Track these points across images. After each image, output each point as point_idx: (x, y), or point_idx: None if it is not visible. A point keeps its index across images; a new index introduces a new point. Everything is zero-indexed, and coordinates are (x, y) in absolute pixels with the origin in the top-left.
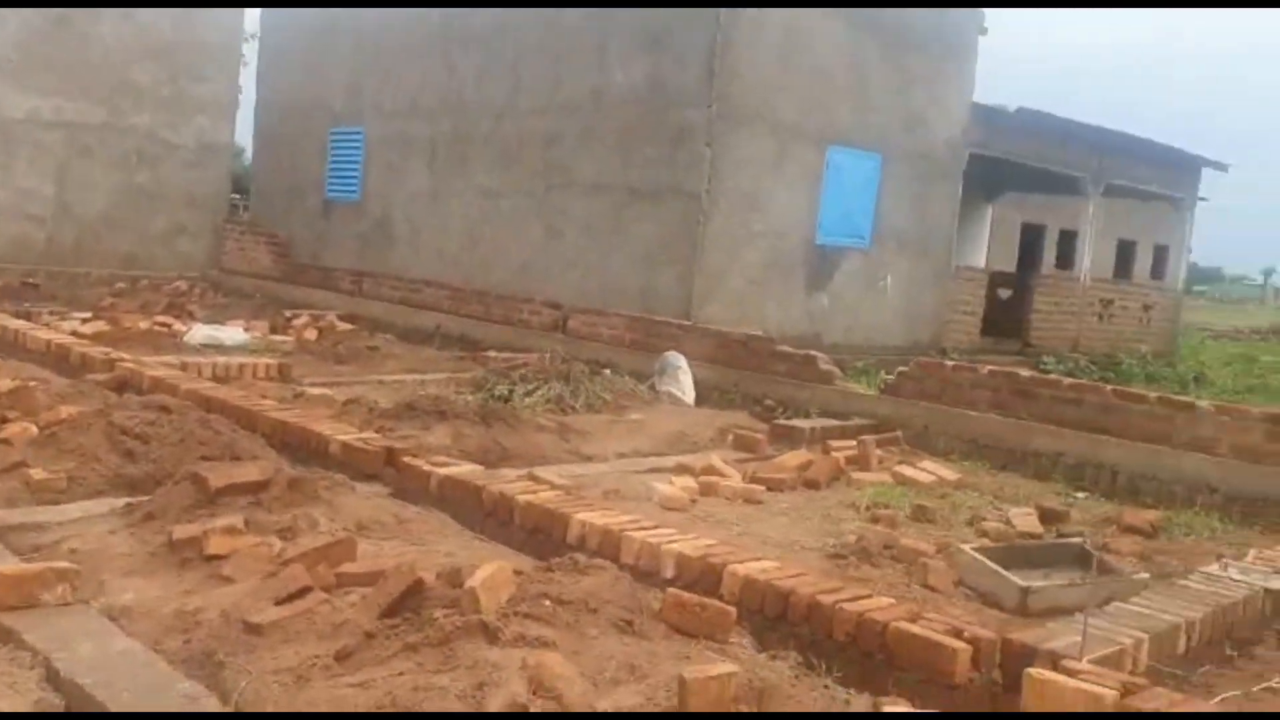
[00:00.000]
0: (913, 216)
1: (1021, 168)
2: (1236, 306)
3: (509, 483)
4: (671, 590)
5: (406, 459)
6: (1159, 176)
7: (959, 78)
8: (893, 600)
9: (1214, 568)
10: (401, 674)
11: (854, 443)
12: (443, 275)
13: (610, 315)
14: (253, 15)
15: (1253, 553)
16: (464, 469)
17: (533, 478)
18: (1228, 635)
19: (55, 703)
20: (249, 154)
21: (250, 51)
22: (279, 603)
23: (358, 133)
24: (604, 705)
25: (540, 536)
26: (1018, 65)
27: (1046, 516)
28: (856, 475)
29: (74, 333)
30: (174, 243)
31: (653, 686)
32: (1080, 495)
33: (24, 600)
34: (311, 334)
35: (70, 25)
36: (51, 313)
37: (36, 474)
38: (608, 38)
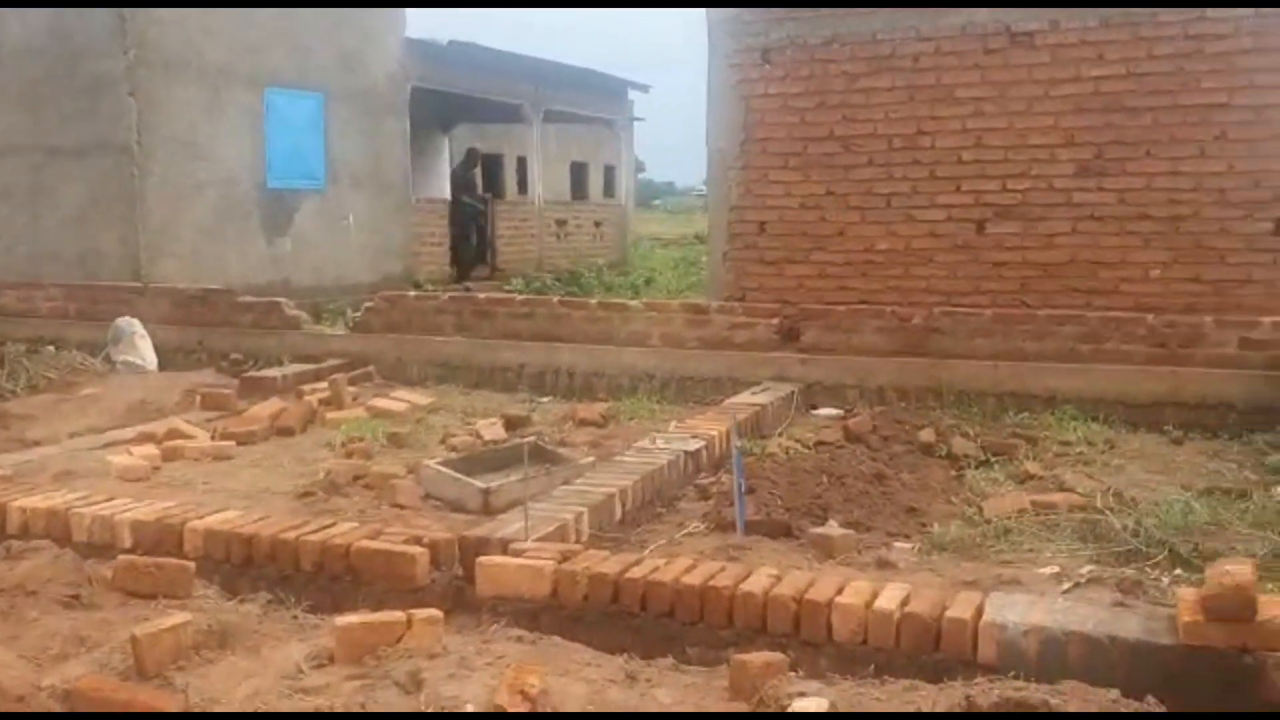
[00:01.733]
0: (365, 153)
1: (466, 99)
2: (686, 216)
3: None
4: (121, 556)
5: None
6: (591, 101)
7: (389, 15)
8: (356, 524)
9: (645, 442)
10: None
11: (327, 384)
12: None
13: (47, 286)
14: None
15: (674, 424)
16: None
17: None
18: (658, 496)
19: None
20: None
21: None
22: None
23: None
24: (50, 681)
25: None
26: None
27: (511, 423)
28: (331, 415)
29: None
30: None
31: (107, 653)
32: (544, 399)
33: None
34: None
35: None
36: None
37: None
38: None
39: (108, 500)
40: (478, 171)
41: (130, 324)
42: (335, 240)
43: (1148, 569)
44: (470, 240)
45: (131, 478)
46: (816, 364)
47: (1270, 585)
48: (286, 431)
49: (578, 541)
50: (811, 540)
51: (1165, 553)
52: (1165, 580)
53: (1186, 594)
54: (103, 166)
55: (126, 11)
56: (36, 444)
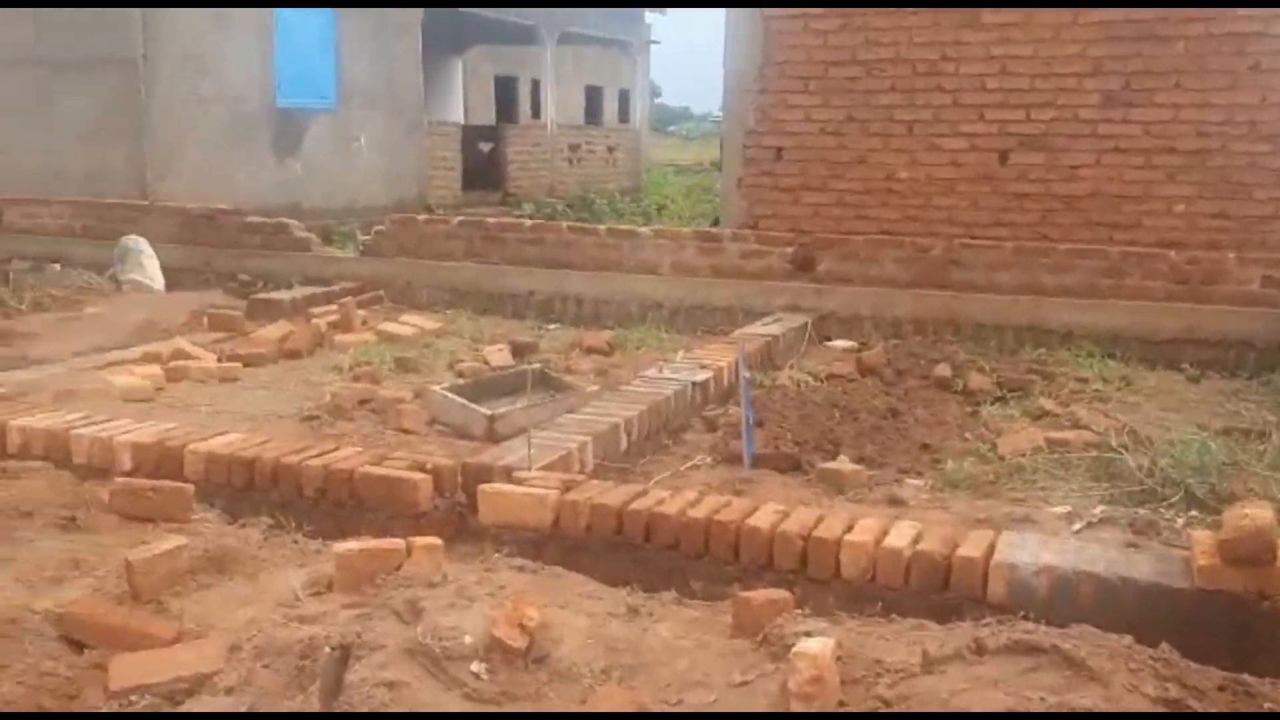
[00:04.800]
0: (377, 73)
1: (480, 20)
2: (702, 142)
3: None
4: (119, 479)
5: None
6: (607, 23)
7: None
8: (359, 449)
9: (652, 371)
10: None
11: (336, 307)
12: None
13: (54, 203)
14: None
15: (681, 353)
16: None
17: None
18: (664, 427)
19: None
20: None
21: None
22: None
23: None
24: (43, 604)
25: None
26: None
27: (518, 350)
28: (340, 339)
29: None
30: None
31: (101, 577)
32: (552, 326)
33: None
34: None
35: None
36: None
37: None
38: None
39: (108, 421)
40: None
41: (137, 242)
42: (346, 162)
43: (1162, 510)
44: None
45: (134, 398)
46: (831, 294)
47: None
48: (294, 354)
49: (581, 471)
50: (821, 475)
51: (1180, 494)
52: (1180, 521)
53: (1202, 536)
54: (109, 81)
55: None
56: (39, 362)
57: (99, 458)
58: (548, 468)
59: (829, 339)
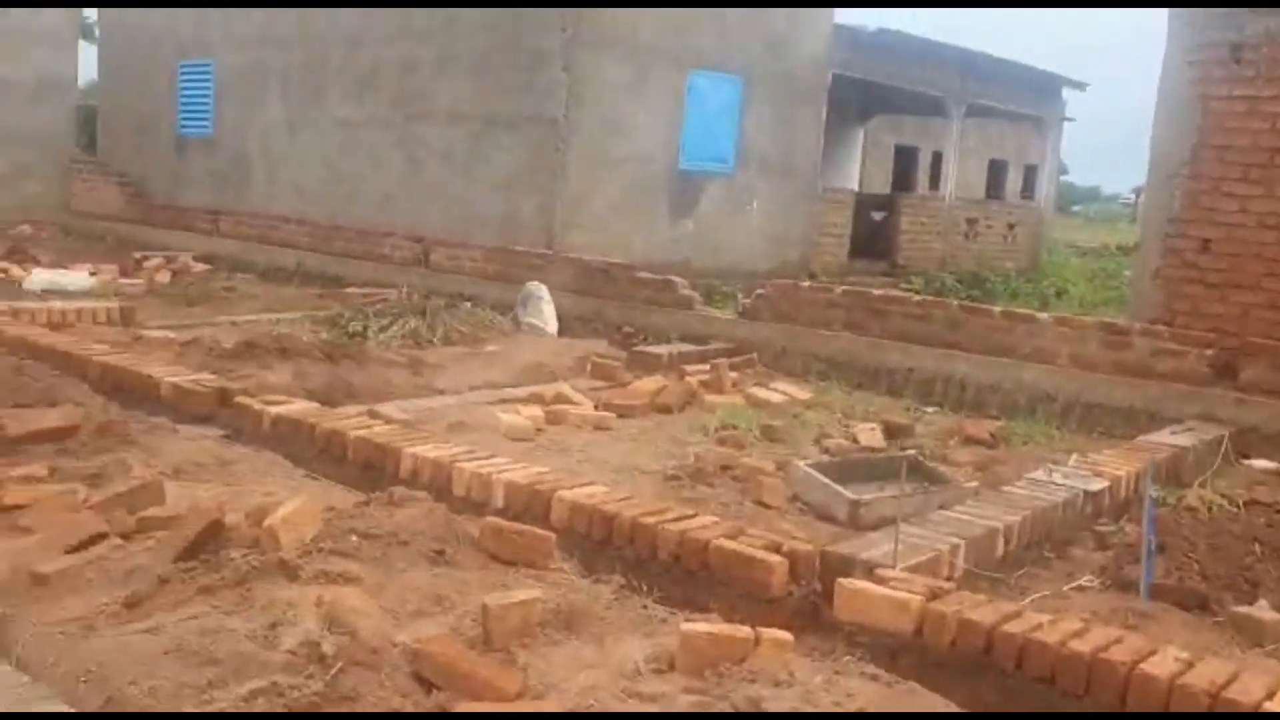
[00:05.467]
0: (777, 139)
1: (886, 89)
2: (1109, 224)
3: (344, 419)
4: (489, 519)
5: (240, 399)
6: (1020, 97)
7: None
8: (717, 519)
9: (1039, 473)
10: (194, 617)
11: (709, 367)
12: (303, 211)
13: (472, 247)
14: None
15: (1075, 457)
16: (297, 407)
17: (372, 414)
18: (1047, 537)
19: None
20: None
21: None
22: (69, 551)
23: (207, 65)
24: (403, 637)
25: (373, 473)
26: None
27: (892, 431)
28: (710, 398)
29: None
30: (18, 185)
31: (459, 616)
32: (930, 409)
33: None
34: (165, 276)
35: None
36: None
37: None
38: None
39: (489, 458)
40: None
41: (538, 288)
42: (736, 224)
43: None
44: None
45: (516, 437)
46: (1256, 407)
47: None
48: (665, 409)
49: (950, 577)
50: (1233, 620)
51: None
52: None
53: None
54: (532, 137)
55: None
56: (440, 392)
57: (477, 492)
58: (913, 568)
59: (1248, 457)
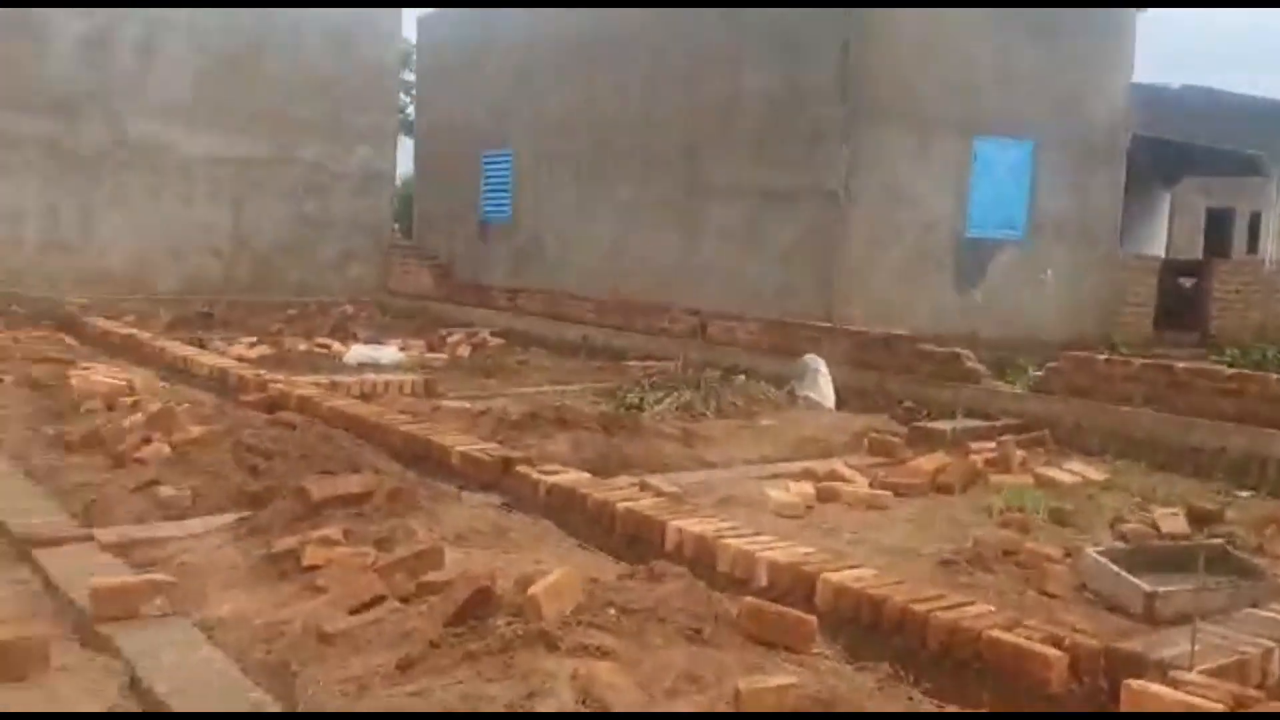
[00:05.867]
0: (1072, 204)
1: (1194, 149)
2: None
3: (613, 490)
4: (749, 599)
5: (520, 468)
6: None
7: (1116, 56)
8: (993, 608)
9: None
10: (459, 682)
11: (995, 444)
12: (589, 288)
13: (748, 320)
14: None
15: None
16: (571, 477)
17: (642, 485)
18: None
19: (129, 708)
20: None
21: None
22: (353, 611)
23: (507, 154)
24: None
25: (639, 544)
26: (1174, 41)
27: (1197, 517)
28: (995, 478)
29: (239, 357)
30: (343, 268)
31: (713, 698)
32: (1243, 494)
33: (124, 612)
34: (465, 350)
35: (240, 66)
36: (222, 339)
37: (165, 491)
38: (741, 42)
39: (754, 535)
40: None
41: (815, 361)
42: (1028, 294)
43: None
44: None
45: (785, 514)
46: None
47: None
48: (945, 489)
49: (1260, 685)
50: None
51: None
52: None
53: None
54: (810, 210)
55: (850, 61)
56: (711, 466)
57: (740, 569)
58: (1215, 672)
59: None
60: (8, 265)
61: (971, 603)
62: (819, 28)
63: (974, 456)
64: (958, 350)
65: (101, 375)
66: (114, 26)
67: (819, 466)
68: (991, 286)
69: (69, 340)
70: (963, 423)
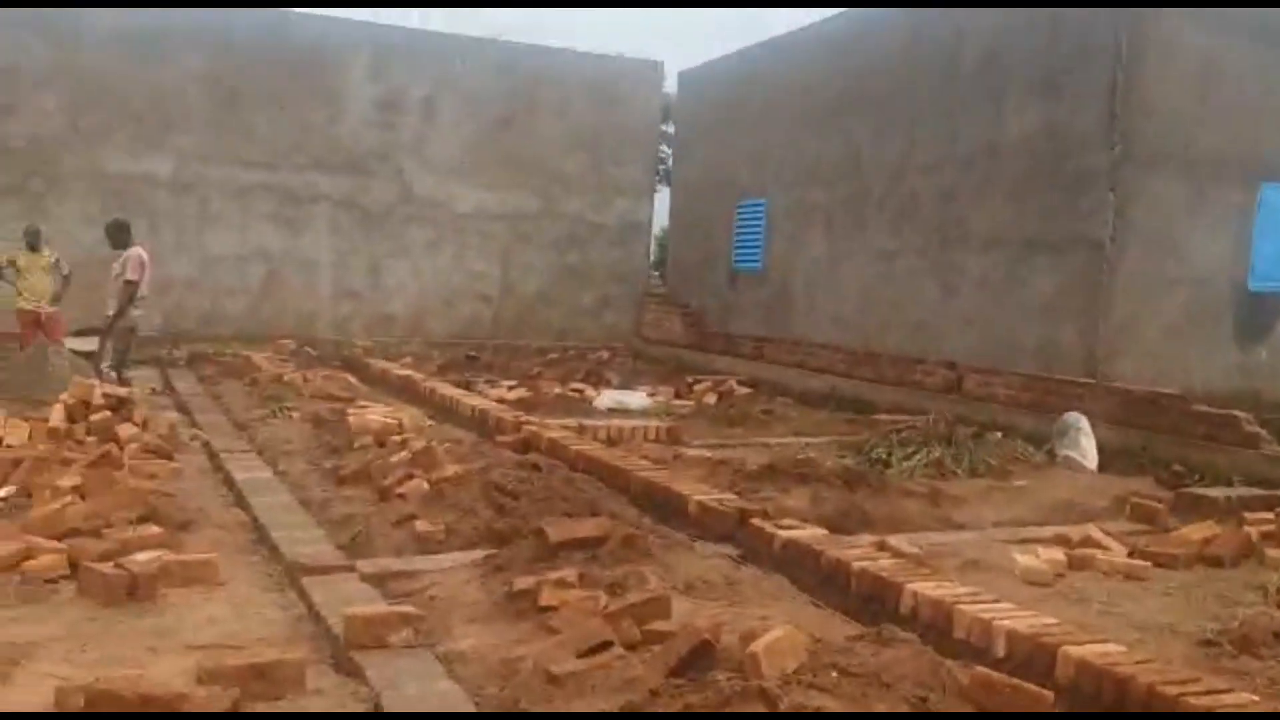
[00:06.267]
0: None
1: None
2: None
3: (849, 549)
4: (979, 669)
5: (755, 521)
6: None
7: None
8: (1256, 698)
9: None
10: None
11: (1275, 515)
12: (839, 339)
13: (1006, 374)
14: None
15: None
16: (807, 533)
17: (881, 545)
18: None
19: None
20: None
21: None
22: (580, 655)
23: (760, 204)
24: None
25: (873, 605)
26: None
27: None
28: (1272, 553)
29: (499, 399)
30: (600, 315)
31: None
32: None
33: (375, 641)
34: (711, 398)
35: (511, 126)
36: (487, 381)
37: (422, 526)
38: (1002, 87)
39: (993, 601)
40: None
41: (1078, 419)
42: None
43: None
44: None
45: (1032, 581)
46: None
47: None
48: (1214, 562)
49: None
50: None
51: None
52: None
53: None
54: (1074, 261)
55: (1118, 104)
56: (959, 527)
57: (976, 638)
58: None
59: None
60: (304, 310)
61: (1231, 690)
62: (1084, 68)
63: (1249, 528)
64: (1234, 413)
65: (376, 414)
66: (405, 89)
67: (1074, 532)
68: (1278, 345)
69: (352, 380)
70: (1238, 490)
